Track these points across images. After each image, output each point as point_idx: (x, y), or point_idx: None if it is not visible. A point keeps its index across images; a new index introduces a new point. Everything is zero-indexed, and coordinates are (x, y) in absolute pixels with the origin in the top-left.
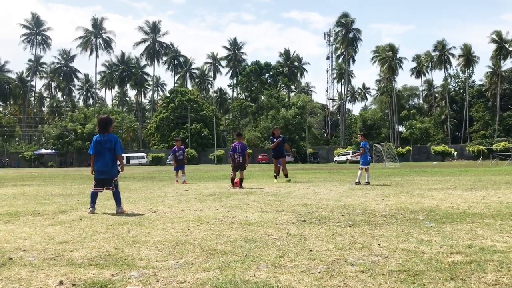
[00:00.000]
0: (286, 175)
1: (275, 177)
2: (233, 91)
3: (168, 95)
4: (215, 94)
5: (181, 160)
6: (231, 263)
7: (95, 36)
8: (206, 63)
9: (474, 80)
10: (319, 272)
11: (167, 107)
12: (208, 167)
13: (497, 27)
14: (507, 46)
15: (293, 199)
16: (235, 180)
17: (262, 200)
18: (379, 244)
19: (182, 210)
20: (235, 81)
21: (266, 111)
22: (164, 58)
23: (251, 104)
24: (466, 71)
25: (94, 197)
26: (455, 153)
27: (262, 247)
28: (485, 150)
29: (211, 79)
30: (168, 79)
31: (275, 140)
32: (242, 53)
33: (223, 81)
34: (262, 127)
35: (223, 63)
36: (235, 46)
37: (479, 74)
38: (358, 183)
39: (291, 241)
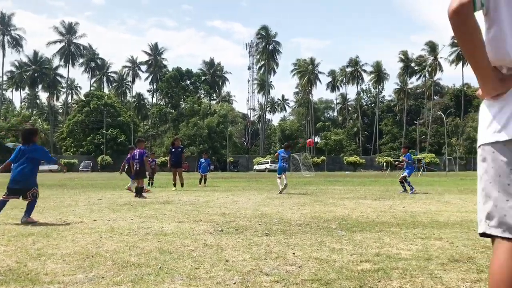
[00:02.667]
0: (182, 184)
1: (174, 185)
2: (152, 96)
3: (83, 98)
4: (133, 99)
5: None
6: (145, 276)
7: (3, 33)
8: (125, 67)
9: (384, 95)
10: (234, 283)
11: (82, 111)
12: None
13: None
14: (412, 65)
15: (211, 209)
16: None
17: (180, 210)
18: (293, 253)
19: (94, 220)
20: (155, 87)
21: (187, 118)
22: (80, 60)
23: (171, 110)
24: (377, 87)
25: (1, 205)
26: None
27: (178, 258)
28: (393, 162)
29: (130, 83)
30: (84, 82)
31: (173, 150)
32: (163, 58)
33: (142, 86)
34: (183, 135)
35: (143, 67)
36: (156, 51)
37: (389, 89)
38: (280, 192)
39: (207, 252)
